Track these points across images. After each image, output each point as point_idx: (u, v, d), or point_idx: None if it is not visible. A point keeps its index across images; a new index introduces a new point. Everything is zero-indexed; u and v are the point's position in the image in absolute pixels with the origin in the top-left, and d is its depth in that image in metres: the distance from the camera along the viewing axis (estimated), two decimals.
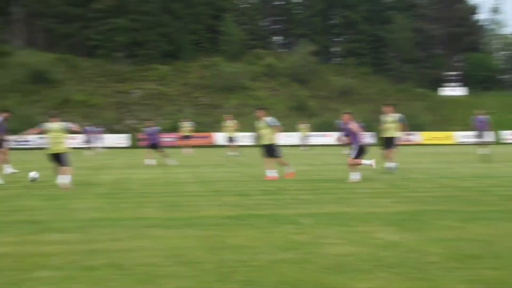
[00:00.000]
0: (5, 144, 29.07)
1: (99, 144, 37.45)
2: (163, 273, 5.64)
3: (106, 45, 59.34)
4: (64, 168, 13.78)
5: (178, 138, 37.77)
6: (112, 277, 5.51)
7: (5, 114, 17.53)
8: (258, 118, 16.45)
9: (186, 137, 34.42)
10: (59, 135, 13.82)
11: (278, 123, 16.35)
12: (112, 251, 6.61)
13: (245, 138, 39.17)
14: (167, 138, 43.44)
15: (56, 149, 13.79)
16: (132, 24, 59.59)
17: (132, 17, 59.72)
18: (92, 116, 49.00)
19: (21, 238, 7.44)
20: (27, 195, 12.29)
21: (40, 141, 36.15)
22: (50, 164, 14.53)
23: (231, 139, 30.91)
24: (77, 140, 36.97)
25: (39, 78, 53.07)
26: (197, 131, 38.56)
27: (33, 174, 15.35)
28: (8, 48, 57.74)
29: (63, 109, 50.39)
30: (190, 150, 32.22)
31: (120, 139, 45.77)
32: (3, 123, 26.45)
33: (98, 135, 38.16)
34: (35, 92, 52.50)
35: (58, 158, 13.83)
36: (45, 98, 51.93)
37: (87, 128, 37.71)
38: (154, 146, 23.79)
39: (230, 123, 31.44)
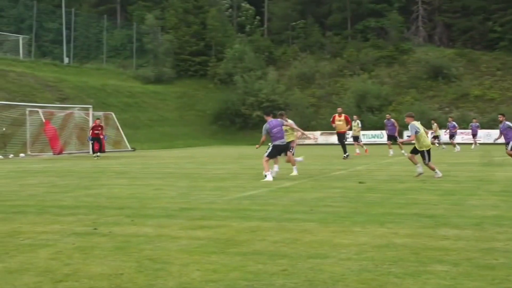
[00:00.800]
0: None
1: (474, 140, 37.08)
2: None
3: (508, 37, 56.87)
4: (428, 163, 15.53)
5: None
6: None
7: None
8: None
9: None
10: (424, 134, 15.63)
11: None
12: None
13: None
14: None
15: (426, 145, 15.56)
16: None
17: None
18: (488, 111, 47.78)
19: (417, 231, 7.57)
20: (422, 189, 12.54)
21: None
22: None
23: None
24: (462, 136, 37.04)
25: (437, 74, 53.93)
26: None
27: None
28: (408, 45, 60.11)
29: (458, 104, 50.43)
30: None
31: None
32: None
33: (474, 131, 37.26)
34: (432, 87, 53.54)
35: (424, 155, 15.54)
36: (441, 94, 52.54)
37: (473, 124, 37.18)
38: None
39: None
